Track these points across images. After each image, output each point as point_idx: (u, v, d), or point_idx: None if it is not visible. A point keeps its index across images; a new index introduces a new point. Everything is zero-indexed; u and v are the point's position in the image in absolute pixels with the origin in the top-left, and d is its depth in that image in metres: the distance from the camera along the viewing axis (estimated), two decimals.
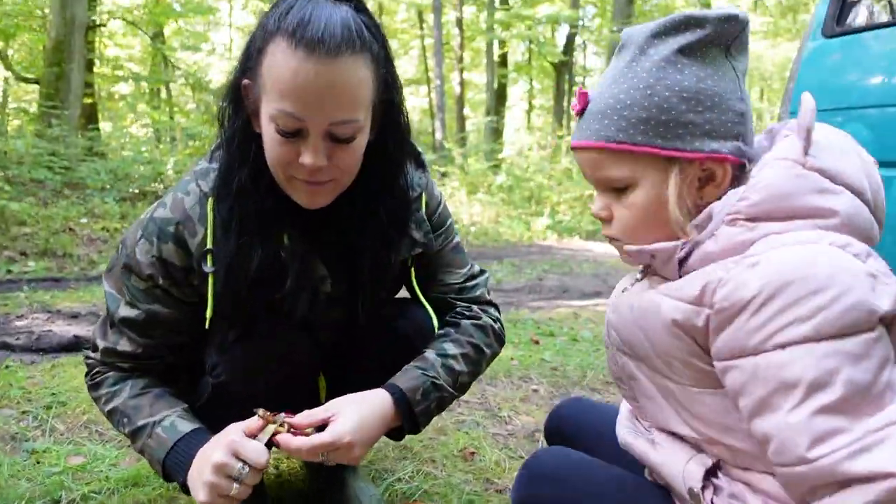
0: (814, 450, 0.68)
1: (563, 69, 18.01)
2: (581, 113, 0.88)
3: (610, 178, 0.87)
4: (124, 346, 1.19)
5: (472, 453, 1.93)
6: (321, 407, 1.13)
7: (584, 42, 20.55)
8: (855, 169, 0.82)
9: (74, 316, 3.43)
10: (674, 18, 0.83)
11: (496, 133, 16.71)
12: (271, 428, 1.06)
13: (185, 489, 1.11)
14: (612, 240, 0.94)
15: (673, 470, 0.90)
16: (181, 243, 1.14)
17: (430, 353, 1.28)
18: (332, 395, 1.38)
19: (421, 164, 1.33)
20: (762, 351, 0.72)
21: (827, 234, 0.75)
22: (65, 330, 3.08)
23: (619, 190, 0.87)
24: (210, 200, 1.14)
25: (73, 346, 2.83)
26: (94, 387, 1.24)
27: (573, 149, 0.91)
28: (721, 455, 0.87)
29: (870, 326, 0.70)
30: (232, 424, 1.08)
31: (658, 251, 0.85)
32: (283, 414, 1.09)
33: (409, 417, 1.21)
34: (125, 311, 1.18)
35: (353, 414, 1.11)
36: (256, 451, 1.01)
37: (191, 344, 1.24)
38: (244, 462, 1.01)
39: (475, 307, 1.41)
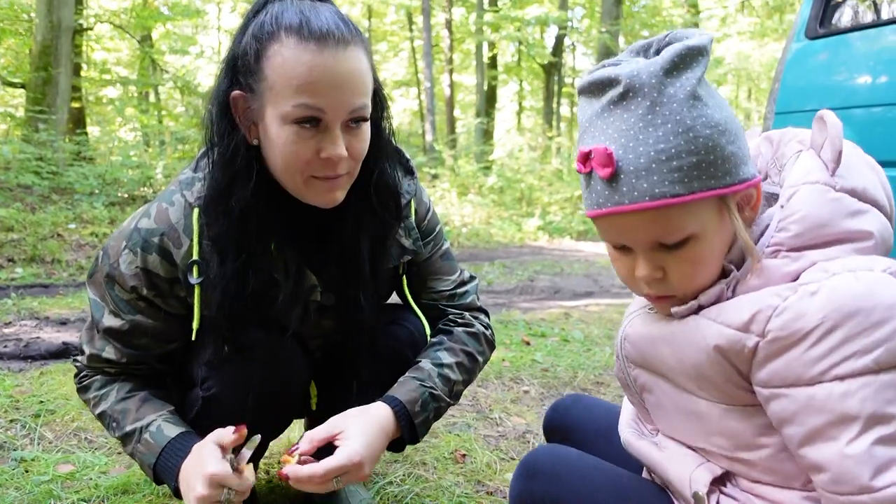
0: (877, 479, 0.69)
1: (553, 70, 18.07)
2: (612, 176, 0.77)
3: (666, 236, 0.79)
4: (109, 353, 1.19)
5: (464, 455, 1.93)
6: (323, 427, 1.11)
7: (573, 43, 20.64)
8: (874, 183, 0.82)
9: (63, 322, 3.40)
10: (680, 52, 0.76)
11: (486, 135, 16.73)
12: (256, 440, 1.07)
13: (178, 493, 1.11)
14: (649, 296, 0.88)
15: (679, 473, 0.91)
16: (166, 255, 1.13)
17: (425, 363, 1.28)
18: (322, 401, 1.38)
19: (409, 171, 1.33)
20: (819, 382, 0.72)
21: (877, 261, 0.75)
22: (53, 336, 3.06)
23: (670, 245, 0.80)
24: (195, 211, 1.13)
25: (62, 352, 2.81)
26: (82, 389, 1.24)
27: (610, 215, 0.80)
28: (734, 468, 0.87)
29: None
30: (211, 439, 1.05)
31: (707, 302, 0.83)
32: (296, 446, 1.08)
33: (409, 429, 1.21)
34: (109, 321, 1.17)
35: (359, 431, 1.10)
36: (239, 483, 1.01)
37: (176, 352, 1.24)
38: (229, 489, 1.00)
39: (467, 314, 1.41)
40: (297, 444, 1.08)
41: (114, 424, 1.18)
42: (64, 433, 1.91)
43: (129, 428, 1.16)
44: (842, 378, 0.70)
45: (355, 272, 1.23)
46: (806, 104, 2.66)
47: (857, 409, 0.70)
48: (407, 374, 1.27)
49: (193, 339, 1.17)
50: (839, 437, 0.71)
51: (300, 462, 1.05)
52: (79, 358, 1.24)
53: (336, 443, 1.08)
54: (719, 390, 0.83)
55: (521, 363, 2.96)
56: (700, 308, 0.84)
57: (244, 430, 1.05)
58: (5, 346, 2.83)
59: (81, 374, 1.24)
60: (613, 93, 0.78)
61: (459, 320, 1.39)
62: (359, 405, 1.31)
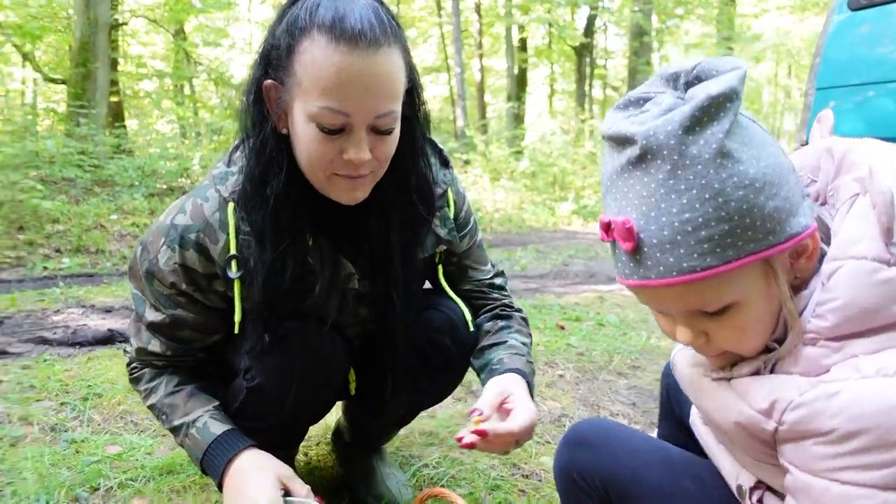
0: None
1: (584, 52, 17.78)
2: (634, 250, 0.71)
3: (703, 306, 0.73)
4: (155, 346, 1.21)
5: None
6: (491, 393, 1.15)
7: (604, 24, 20.23)
8: None
9: (108, 310, 3.51)
10: (701, 105, 0.67)
11: (518, 119, 16.59)
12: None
13: (221, 488, 1.16)
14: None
15: (727, 464, 0.91)
16: (203, 251, 1.15)
17: (513, 341, 1.33)
18: (361, 387, 1.40)
19: (445, 163, 1.33)
20: (822, 476, 0.69)
21: None
22: (99, 324, 3.16)
23: (714, 312, 0.73)
24: (230, 206, 1.14)
25: (108, 339, 2.91)
26: (133, 381, 1.28)
27: (638, 287, 0.74)
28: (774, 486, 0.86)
29: None
30: (276, 471, 1.13)
31: (740, 375, 0.78)
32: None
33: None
34: (151, 315, 1.20)
35: (523, 394, 1.16)
36: None
37: (219, 343, 1.27)
38: None
39: (510, 308, 1.45)
40: (475, 408, 1.11)
41: (163, 417, 1.23)
42: (111, 416, 1.97)
43: (177, 422, 1.21)
44: (843, 482, 0.67)
45: (385, 265, 1.24)
46: (848, 79, 2.57)
47: None
48: (507, 351, 1.30)
49: (236, 332, 1.19)
50: None
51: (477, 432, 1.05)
52: (128, 349, 1.28)
53: (507, 405, 1.13)
54: (748, 448, 0.81)
55: (556, 347, 2.95)
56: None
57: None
58: (54, 333, 2.94)
59: (132, 366, 1.28)
60: (631, 153, 0.70)
61: (510, 310, 1.44)
62: (395, 393, 1.33)
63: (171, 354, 1.23)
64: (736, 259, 0.68)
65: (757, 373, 0.77)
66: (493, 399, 1.13)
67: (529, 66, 19.43)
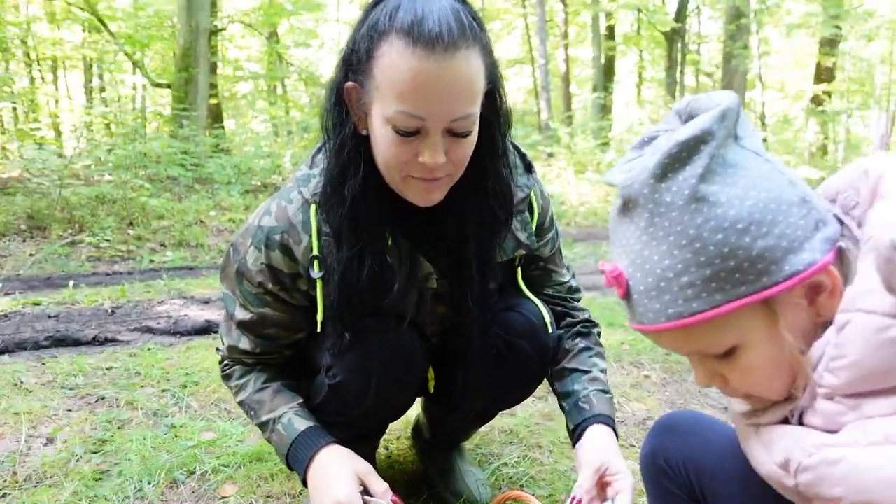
0: None
1: (676, 37, 17.04)
2: (626, 297, 0.73)
3: (705, 350, 0.73)
4: (245, 344, 1.27)
5: None
6: (588, 472, 1.14)
7: (697, 7, 19.31)
8: None
9: (206, 301, 3.72)
10: (670, 151, 0.67)
11: (604, 109, 16.16)
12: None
13: (305, 483, 1.22)
14: None
15: None
16: (287, 251, 1.18)
17: (597, 372, 1.35)
18: (439, 385, 1.41)
19: (528, 167, 1.31)
20: None
21: None
22: (198, 314, 3.35)
23: (721, 354, 0.72)
24: (313, 207, 1.17)
25: (205, 329, 3.08)
26: (225, 377, 1.35)
27: (641, 331, 0.75)
28: None
29: None
30: (354, 468, 1.17)
31: (768, 423, 0.76)
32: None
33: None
34: (241, 314, 1.25)
35: (618, 460, 1.17)
36: None
37: (304, 340, 1.31)
38: None
39: (590, 324, 1.44)
40: (573, 496, 1.11)
41: (251, 413, 1.29)
42: (207, 403, 2.09)
43: (264, 418, 1.26)
44: None
45: (462, 266, 1.24)
46: None
47: None
48: (591, 386, 1.32)
49: (319, 330, 1.22)
50: None
51: None
52: (220, 347, 1.35)
53: (607, 479, 1.14)
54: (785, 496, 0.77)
55: (642, 346, 2.85)
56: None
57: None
58: (158, 323, 3.14)
59: (224, 363, 1.34)
60: (618, 201, 0.72)
61: (590, 325, 1.44)
62: (472, 394, 1.34)
63: (260, 352, 1.27)
64: (726, 302, 0.67)
65: (787, 420, 0.73)
66: (591, 477, 1.12)
67: (617, 55, 18.84)
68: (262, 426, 1.27)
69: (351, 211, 1.12)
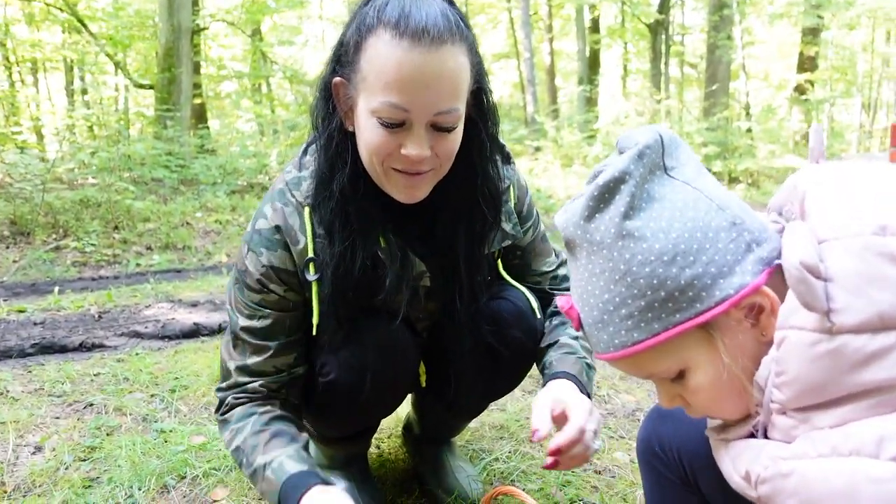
0: None
1: (659, 29, 17.10)
2: (580, 328, 0.79)
3: (656, 375, 0.77)
4: (254, 359, 1.20)
5: None
6: (544, 408, 1.08)
7: None
8: None
9: (194, 304, 3.70)
10: (592, 193, 0.72)
11: (590, 102, 16.20)
12: None
13: None
14: None
15: None
16: (287, 249, 1.17)
17: (564, 339, 1.31)
18: (430, 380, 1.41)
19: (507, 158, 1.32)
20: None
21: (892, 440, 0.59)
22: (186, 318, 3.33)
23: (674, 378, 0.76)
24: (307, 210, 1.17)
25: (194, 332, 3.07)
26: (223, 423, 1.23)
27: (600, 359, 0.79)
28: None
29: None
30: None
31: (734, 438, 0.77)
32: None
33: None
34: (245, 322, 1.20)
35: (576, 397, 1.11)
36: None
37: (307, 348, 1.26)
38: None
39: None
40: (534, 429, 1.06)
41: (244, 460, 1.17)
42: (196, 407, 2.08)
43: (255, 464, 1.15)
44: None
45: (450, 264, 1.24)
46: None
47: None
48: (555, 351, 1.29)
49: (314, 333, 1.20)
50: None
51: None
52: (222, 385, 1.24)
53: (564, 412, 1.08)
54: None
55: None
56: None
57: None
58: (146, 327, 3.12)
59: (224, 404, 1.23)
60: (564, 242, 0.78)
61: None
62: (464, 386, 1.32)
63: (269, 367, 1.21)
64: (664, 330, 0.70)
65: (753, 435, 0.75)
66: (542, 413, 1.07)
67: (602, 47, 18.89)
68: (253, 476, 1.16)
69: (340, 206, 1.13)
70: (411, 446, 1.71)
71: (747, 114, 16.25)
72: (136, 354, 2.62)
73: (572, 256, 0.77)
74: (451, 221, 1.22)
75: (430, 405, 1.55)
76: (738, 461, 0.74)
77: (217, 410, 1.25)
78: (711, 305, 0.68)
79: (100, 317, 3.41)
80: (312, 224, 1.17)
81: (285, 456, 1.14)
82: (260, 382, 1.21)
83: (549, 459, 1.02)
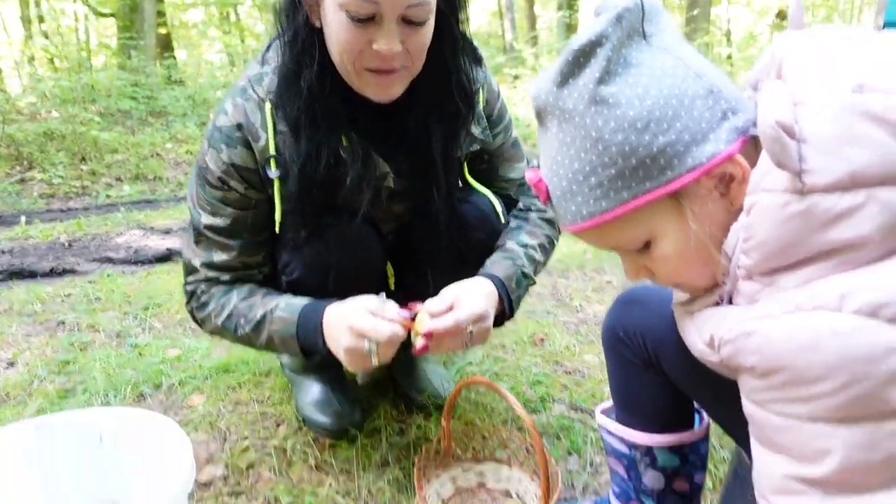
0: (777, 498, 0.67)
1: None
2: (547, 201, 0.78)
3: (622, 246, 0.76)
4: (219, 256, 1.20)
5: (542, 339, 1.95)
6: (438, 298, 1.11)
7: None
8: (881, 151, 0.59)
9: (167, 231, 3.65)
10: (567, 58, 0.69)
11: (570, 29, 15.78)
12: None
13: (330, 354, 1.13)
14: None
15: None
16: (248, 146, 1.15)
17: (511, 244, 1.29)
18: (399, 282, 1.41)
19: (478, 60, 1.28)
20: (760, 406, 0.68)
21: (855, 293, 0.59)
22: (159, 244, 3.29)
23: (640, 248, 0.75)
24: (268, 105, 1.14)
25: (167, 257, 3.04)
26: (201, 307, 1.22)
27: (567, 231, 0.78)
28: None
29: (882, 417, 0.60)
30: (364, 299, 1.09)
31: (701, 308, 0.77)
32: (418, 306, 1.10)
33: (508, 304, 1.22)
34: (208, 220, 1.19)
35: (475, 295, 1.13)
36: (382, 330, 1.02)
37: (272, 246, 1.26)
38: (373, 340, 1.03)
39: (538, 202, 1.39)
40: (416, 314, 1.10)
41: (242, 321, 1.18)
42: (171, 323, 2.08)
43: (259, 314, 1.17)
44: (777, 414, 0.65)
45: (426, 164, 1.22)
46: None
47: (786, 445, 0.65)
48: (497, 253, 1.28)
49: (278, 231, 1.20)
50: (768, 451, 0.68)
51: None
52: (190, 279, 1.23)
53: (454, 306, 1.09)
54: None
55: (604, 255, 2.90)
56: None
57: (406, 320, 1.07)
58: (118, 254, 3.09)
59: (198, 293, 1.22)
60: (537, 117, 0.75)
61: (533, 207, 1.39)
62: (433, 286, 1.33)
63: (236, 262, 1.21)
64: (632, 199, 0.69)
65: (719, 304, 0.76)
66: (439, 305, 1.08)
67: None
68: (258, 325, 1.18)
69: (307, 103, 1.10)
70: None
71: (728, 40, 16.03)
72: (108, 276, 2.59)
73: (543, 128, 0.75)
74: (423, 117, 1.19)
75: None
76: (703, 328, 0.75)
77: (188, 303, 1.24)
78: (682, 173, 0.67)
79: (70, 245, 3.36)
80: (274, 120, 1.14)
81: (291, 297, 1.17)
82: (229, 276, 1.21)
83: (420, 342, 1.05)
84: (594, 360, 1.81)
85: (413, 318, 1.08)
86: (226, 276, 1.22)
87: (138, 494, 1.02)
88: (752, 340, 0.65)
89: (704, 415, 1.07)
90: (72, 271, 2.80)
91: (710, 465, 1.27)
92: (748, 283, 0.69)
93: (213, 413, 1.52)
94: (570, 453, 1.40)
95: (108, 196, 5.21)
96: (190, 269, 1.23)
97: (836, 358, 0.59)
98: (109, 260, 3.00)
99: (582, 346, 1.89)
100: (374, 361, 1.05)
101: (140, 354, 1.83)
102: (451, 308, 1.09)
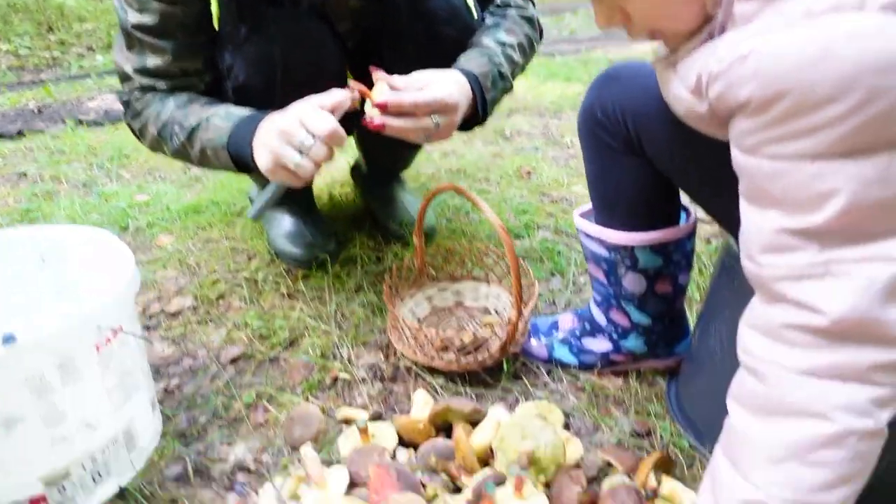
0: (766, 257, 0.58)
1: None
2: None
3: None
4: (154, 60, 1.06)
5: (529, 172, 1.85)
6: (404, 76, 0.97)
7: None
8: None
9: None
10: None
11: None
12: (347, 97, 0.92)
13: (255, 170, 1.00)
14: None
15: None
16: None
17: (489, 41, 1.15)
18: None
19: None
20: (752, 154, 0.58)
21: None
22: None
23: None
24: None
25: None
26: (136, 116, 1.10)
27: None
28: None
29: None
30: (310, 96, 0.93)
31: (686, 54, 0.64)
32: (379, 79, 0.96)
33: (482, 104, 1.09)
34: (135, 18, 1.04)
35: (447, 81, 0.99)
36: (322, 119, 0.88)
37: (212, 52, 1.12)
38: (310, 132, 0.88)
39: (510, 7, 1.23)
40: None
41: (176, 128, 1.06)
42: (139, 172, 1.98)
43: (194, 121, 1.04)
44: (771, 158, 0.55)
45: None
46: None
47: (781, 193, 0.56)
48: (471, 50, 1.14)
49: (217, 27, 1.08)
50: (760, 206, 0.58)
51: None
52: (124, 88, 1.11)
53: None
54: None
55: None
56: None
57: (360, 86, 0.94)
58: (88, 115, 2.93)
59: (133, 101, 1.10)
60: None
61: (512, 3, 1.24)
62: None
63: (172, 67, 1.07)
64: None
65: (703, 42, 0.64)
66: (406, 78, 0.95)
67: None
68: (192, 133, 1.05)
69: None
70: (361, 186, 1.64)
71: None
72: (72, 129, 2.46)
73: None
74: None
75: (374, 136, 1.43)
76: (689, 73, 0.63)
77: (125, 115, 1.12)
78: None
79: (40, 111, 3.19)
80: None
81: (234, 107, 1.04)
82: (166, 84, 1.08)
83: (377, 117, 0.94)
84: (582, 190, 1.72)
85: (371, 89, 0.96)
86: (162, 84, 1.08)
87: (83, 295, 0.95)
88: (747, 65, 0.54)
89: (691, 211, 0.98)
90: (40, 132, 2.66)
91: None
92: (745, 4, 0.56)
93: (183, 251, 1.46)
94: (553, 274, 1.34)
95: (80, 66, 4.93)
96: (123, 77, 1.10)
97: (851, 68, 0.48)
98: (80, 122, 2.85)
99: (571, 178, 1.80)
100: (296, 163, 0.88)
101: (106, 201, 1.74)
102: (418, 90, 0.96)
